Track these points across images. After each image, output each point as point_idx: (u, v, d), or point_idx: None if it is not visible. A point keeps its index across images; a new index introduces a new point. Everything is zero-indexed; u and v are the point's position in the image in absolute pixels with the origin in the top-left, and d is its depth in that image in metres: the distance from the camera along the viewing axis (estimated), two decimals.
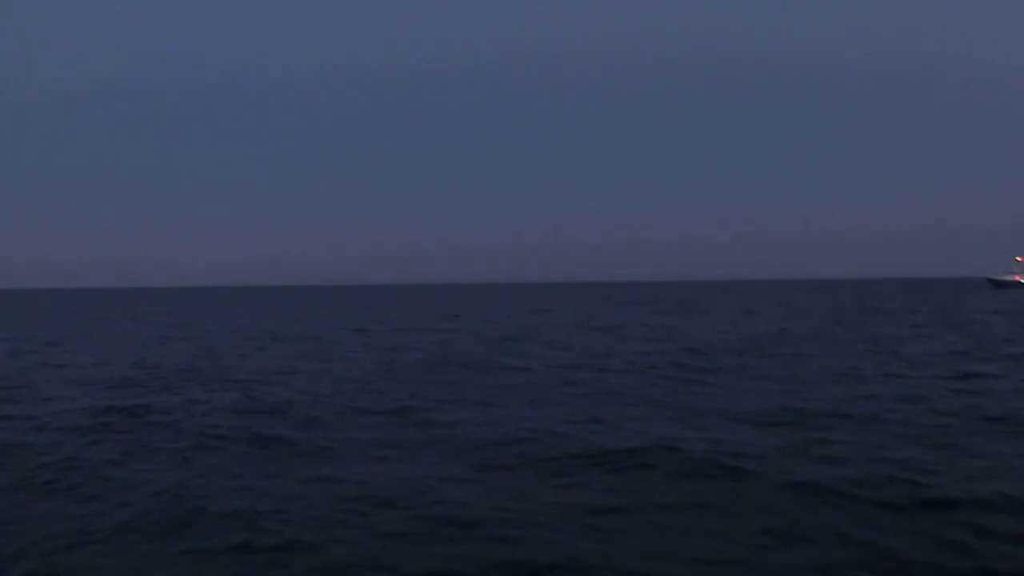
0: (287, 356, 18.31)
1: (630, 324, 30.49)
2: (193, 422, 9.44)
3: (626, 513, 5.67)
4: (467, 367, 15.43)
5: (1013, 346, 18.56)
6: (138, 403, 10.86)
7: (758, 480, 6.40)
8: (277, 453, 7.77)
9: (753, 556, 4.80)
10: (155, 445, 8.19)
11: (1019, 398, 10.55)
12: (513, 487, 6.39)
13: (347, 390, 12.09)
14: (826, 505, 5.77)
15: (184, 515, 5.68)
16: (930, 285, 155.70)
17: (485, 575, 4.58)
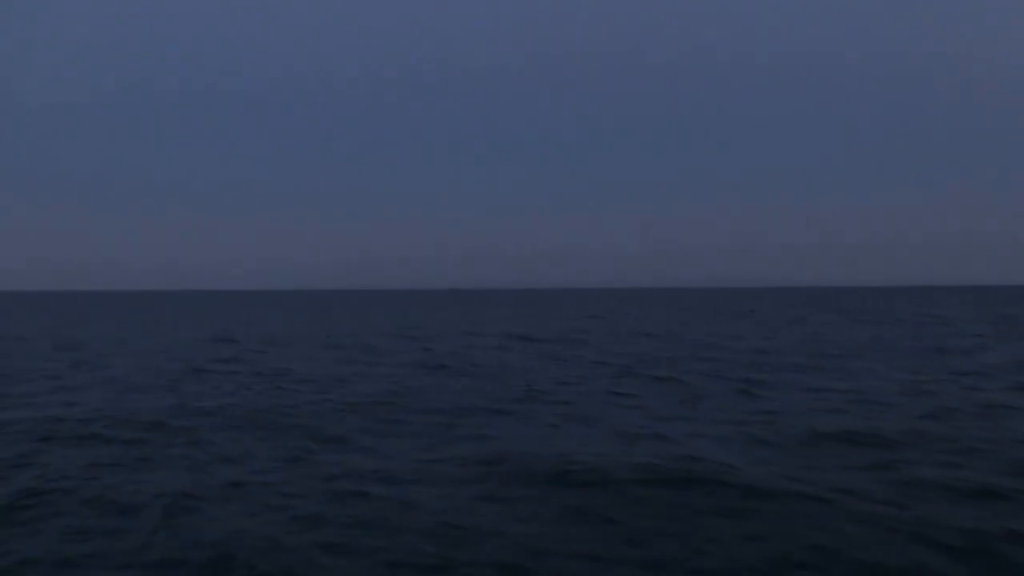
0: (327, 362, 18.30)
1: (673, 332, 30.24)
2: (216, 432, 9.41)
3: (679, 541, 5.47)
4: (513, 374, 15.50)
5: None
6: (157, 408, 10.91)
7: (831, 508, 6.22)
8: (303, 468, 7.64)
9: None
10: (171, 454, 8.17)
11: None
12: (559, 510, 6.21)
13: (385, 401, 11.98)
14: (903, 537, 5.55)
15: (191, 530, 5.62)
16: (978, 292, 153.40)
17: None
